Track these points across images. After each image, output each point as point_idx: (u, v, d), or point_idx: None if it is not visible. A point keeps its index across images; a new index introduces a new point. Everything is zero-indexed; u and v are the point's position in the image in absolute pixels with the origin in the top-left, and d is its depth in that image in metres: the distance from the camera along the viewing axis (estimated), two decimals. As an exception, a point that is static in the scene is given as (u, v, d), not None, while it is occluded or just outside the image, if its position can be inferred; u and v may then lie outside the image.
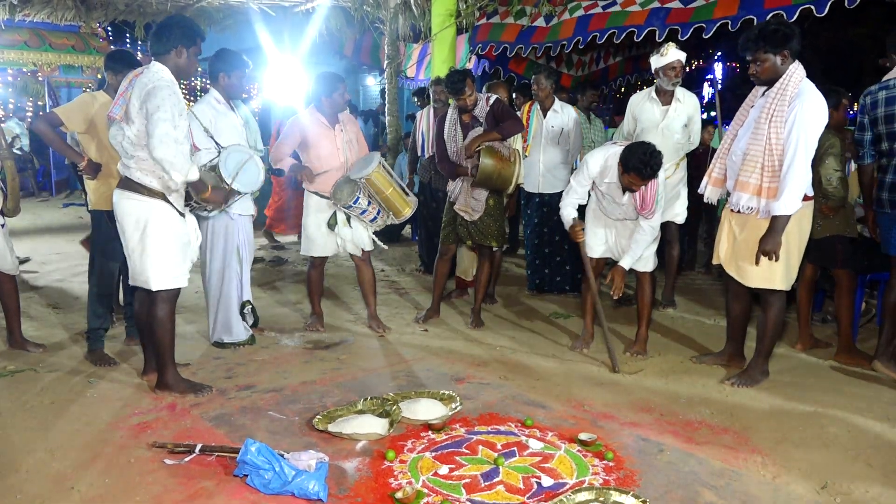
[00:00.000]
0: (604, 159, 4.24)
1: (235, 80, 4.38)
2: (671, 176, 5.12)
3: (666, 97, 5.17)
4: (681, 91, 5.21)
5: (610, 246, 4.46)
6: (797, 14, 5.05)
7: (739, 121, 3.85)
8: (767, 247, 3.65)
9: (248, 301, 4.70)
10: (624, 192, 4.18)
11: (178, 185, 3.53)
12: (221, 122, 4.31)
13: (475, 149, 4.74)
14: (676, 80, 5.06)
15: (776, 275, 3.78)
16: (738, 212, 3.81)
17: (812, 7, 5.00)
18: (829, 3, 4.94)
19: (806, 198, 3.71)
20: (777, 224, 3.62)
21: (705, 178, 4.05)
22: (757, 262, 3.73)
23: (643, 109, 5.25)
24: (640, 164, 3.95)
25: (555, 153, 5.86)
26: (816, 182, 4.22)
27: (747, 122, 3.77)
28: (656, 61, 5.05)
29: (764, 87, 3.71)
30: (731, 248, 3.93)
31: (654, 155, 3.96)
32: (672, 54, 4.97)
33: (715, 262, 4.12)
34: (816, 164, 4.18)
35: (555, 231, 5.91)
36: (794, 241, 3.76)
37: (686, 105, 5.20)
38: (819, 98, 3.57)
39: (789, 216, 3.61)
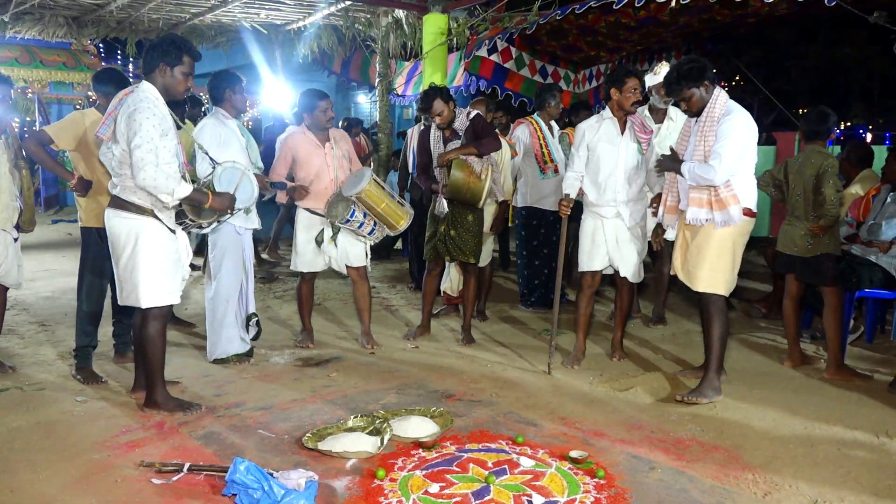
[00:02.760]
0: (593, 119, 4.58)
1: (239, 96, 4.52)
2: None
3: (659, 115, 5.23)
4: (673, 110, 5.25)
5: (610, 252, 4.52)
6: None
7: (681, 149, 4.11)
8: (663, 166, 4.07)
9: (254, 314, 4.80)
10: (624, 125, 4.44)
11: (170, 205, 3.53)
12: (228, 136, 4.39)
13: (447, 160, 4.80)
14: (668, 98, 5.11)
15: (720, 280, 3.97)
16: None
17: None
18: None
19: (749, 213, 3.89)
20: (681, 167, 3.92)
21: (661, 207, 4.27)
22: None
23: None
24: (624, 69, 4.43)
25: None
26: (819, 203, 4.28)
27: (688, 151, 4.03)
28: (649, 80, 5.13)
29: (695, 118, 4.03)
30: (682, 256, 4.11)
31: (629, 65, 4.46)
32: (664, 72, 5.02)
33: (673, 272, 4.25)
34: (819, 184, 4.26)
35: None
36: (739, 252, 3.98)
37: (678, 123, 5.23)
38: (745, 114, 3.88)
39: (697, 174, 3.84)
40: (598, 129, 4.50)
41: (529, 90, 8.40)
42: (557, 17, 6.45)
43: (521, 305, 6.23)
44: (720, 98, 3.88)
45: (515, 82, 8.46)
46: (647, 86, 5.16)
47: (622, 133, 4.45)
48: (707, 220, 3.91)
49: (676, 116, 5.26)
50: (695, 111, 3.94)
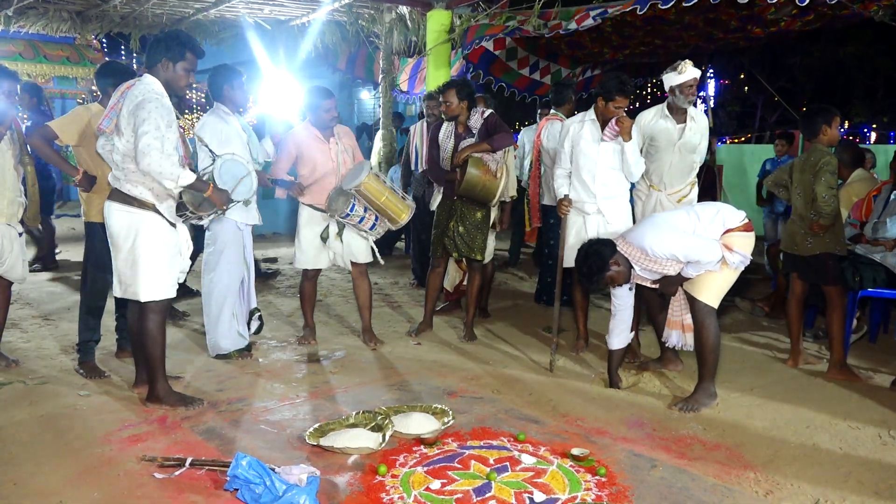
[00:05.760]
0: (577, 119, 4.71)
1: (238, 91, 4.50)
2: (687, 195, 4.98)
3: (680, 115, 4.90)
4: (692, 109, 5.02)
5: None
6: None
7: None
8: (669, 291, 4.01)
9: (257, 308, 4.81)
10: (603, 127, 4.57)
11: (174, 191, 3.53)
12: (229, 133, 4.38)
13: (463, 158, 4.80)
14: (692, 97, 4.84)
15: (718, 295, 3.90)
16: None
17: None
18: None
19: (747, 227, 3.86)
20: (684, 274, 3.87)
21: (667, 328, 4.27)
22: None
23: (659, 128, 4.97)
24: (619, 83, 4.46)
25: None
26: (811, 199, 4.26)
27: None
28: (673, 79, 4.80)
29: None
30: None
31: (624, 76, 4.55)
32: (690, 72, 4.70)
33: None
34: (812, 181, 4.23)
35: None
36: (732, 273, 3.89)
37: (699, 123, 4.93)
38: (659, 230, 3.86)
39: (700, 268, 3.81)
40: (581, 129, 4.64)
41: (510, 78, 8.41)
42: (560, 32, 6.42)
43: (546, 303, 6.13)
44: (635, 253, 3.86)
45: (499, 69, 8.43)
46: (668, 86, 4.82)
47: (602, 134, 4.57)
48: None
49: (697, 116, 5.05)
50: (623, 281, 3.95)
